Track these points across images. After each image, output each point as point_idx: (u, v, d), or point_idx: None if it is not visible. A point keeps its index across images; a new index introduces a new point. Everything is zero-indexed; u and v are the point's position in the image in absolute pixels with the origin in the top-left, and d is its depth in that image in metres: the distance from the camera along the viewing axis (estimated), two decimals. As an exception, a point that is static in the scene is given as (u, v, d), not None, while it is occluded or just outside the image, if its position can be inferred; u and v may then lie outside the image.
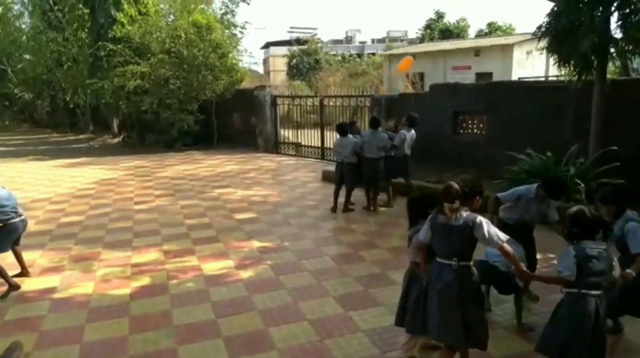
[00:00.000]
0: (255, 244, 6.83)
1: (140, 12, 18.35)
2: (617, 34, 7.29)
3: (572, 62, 7.38)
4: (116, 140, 21.89)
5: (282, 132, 16.86)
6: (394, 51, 36.47)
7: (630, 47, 7.26)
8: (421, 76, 27.94)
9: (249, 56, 30.13)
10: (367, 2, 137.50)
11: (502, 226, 4.52)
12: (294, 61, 43.05)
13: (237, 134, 17.93)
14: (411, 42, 50.00)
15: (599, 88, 7.49)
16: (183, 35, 16.66)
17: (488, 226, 3.26)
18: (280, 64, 48.12)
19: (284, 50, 47.68)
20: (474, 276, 3.37)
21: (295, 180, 11.57)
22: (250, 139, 16.99)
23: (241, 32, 19.17)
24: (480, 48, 27.99)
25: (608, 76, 8.40)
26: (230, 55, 18.13)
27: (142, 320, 4.70)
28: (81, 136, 24.74)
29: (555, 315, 3.32)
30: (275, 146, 16.50)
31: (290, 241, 6.94)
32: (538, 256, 5.29)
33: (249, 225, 7.79)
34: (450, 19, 46.58)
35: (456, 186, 3.36)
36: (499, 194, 4.82)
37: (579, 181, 7.18)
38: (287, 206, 9.01)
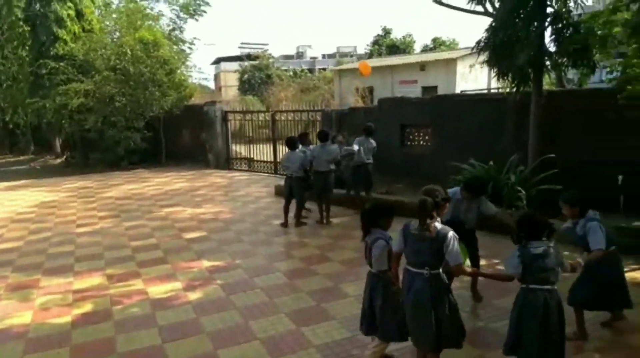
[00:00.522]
0: (205, 263, 6.66)
1: (84, 29, 17.83)
2: (552, 47, 7.69)
3: (510, 75, 7.69)
4: (59, 160, 21.00)
5: (234, 147, 16.70)
6: (344, 66, 37.08)
7: (564, 59, 7.66)
8: (370, 90, 28.50)
9: (199, 71, 29.69)
10: (316, 18, 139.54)
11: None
12: (246, 76, 42.91)
13: (186, 151, 17.61)
14: (360, 57, 50.92)
15: (536, 99, 7.84)
16: (129, 51, 16.29)
17: (454, 243, 3.44)
18: (231, 80, 47.79)
19: (235, 65, 47.44)
20: (444, 282, 3.52)
21: (247, 196, 11.44)
22: (200, 156, 16.72)
23: (190, 48, 19.01)
24: (426, 63, 28.88)
25: (545, 87, 8.82)
26: (179, 71, 17.87)
27: (84, 348, 4.48)
28: (22, 158, 23.60)
29: (512, 309, 3.53)
30: (227, 162, 16.31)
31: (241, 259, 6.81)
32: (483, 262, 5.44)
33: (199, 244, 7.60)
34: (396, 34, 47.90)
35: (430, 199, 3.50)
36: None
37: (519, 189, 7.45)
38: (239, 223, 8.87)
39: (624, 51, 7.72)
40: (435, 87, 26.09)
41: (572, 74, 11.07)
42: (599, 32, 7.23)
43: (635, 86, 6.93)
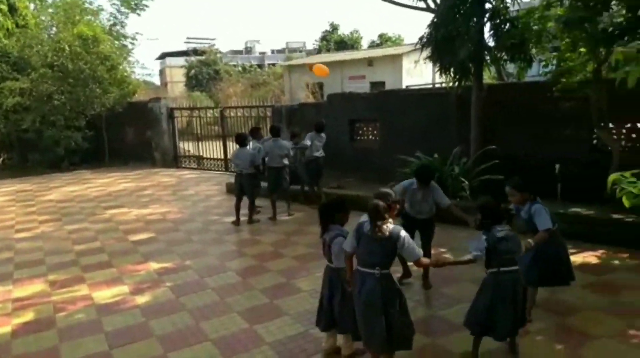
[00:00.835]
0: (153, 266, 6.48)
1: (17, 25, 16.86)
2: (491, 42, 7.96)
3: (452, 69, 7.90)
4: (-5, 163, 19.80)
5: (182, 145, 16.34)
6: (294, 62, 37.07)
7: (503, 54, 7.96)
8: (320, 85, 28.63)
9: (142, 67, 28.71)
10: (264, 13, 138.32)
11: (403, 216, 5.11)
12: (193, 71, 42.02)
13: (131, 150, 17.04)
14: (309, 53, 51.08)
15: (477, 93, 8.10)
16: (67, 47, 15.54)
17: (408, 240, 3.53)
18: (178, 75, 46.65)
19: (181, 61, 46.41)
20: (395, 282, 3.59)
21: (197, 195, 11.22)
22: (146, 154, 16.26)
23: (132, 44, 18.32)
24: (373, 58, 29.31)
25: (487, 81, 9.13)
26: (121, 67, 17.24)
27: (25, 359, 4.26)
28: (-48, 161, 22.07)
29: (480, 293, 3.76)
30: (174, 160, 15.94)
31: (192, 260, 6.68)
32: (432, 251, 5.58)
33: (146, 246, 7.39)
34: (344, 30, 48.33)
35: (382, 203, 3.54)
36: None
37: (463, 179, 7.71)
38: (189, 223, 8.70)
39: (558, 45, 8.11)
40: (382, 83, 26.53)
41: (512, 68, 11.48)
42: (534, 27, 7.56)
43: (569, 78, 7.32)
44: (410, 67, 26.13)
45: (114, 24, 18.11)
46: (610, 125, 7.11)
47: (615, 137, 7.25)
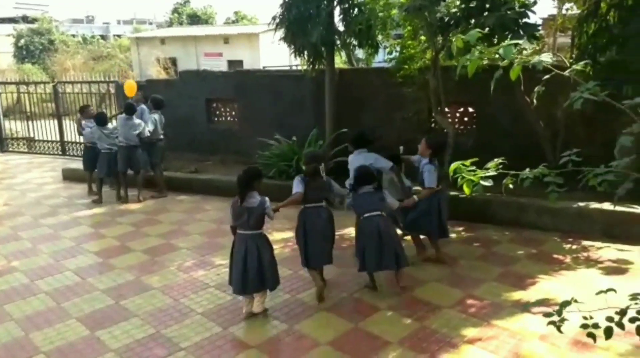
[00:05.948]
0: (-31, 270, 5.53)
1: None
2: (341, 27, 8.09)
3: (306, 52, 7.90)
4: None
5: (8, 125, 14.26)
6: (143, 34, 34.55)
7: (352, 39, 8.14)
8: (173, 61, 27.12)
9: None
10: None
11: None
12: (22, 41, 36.92)
13: (-57, 133, 14.39)
14: (159, 25, 48.09)
15: (330, 77, 8.22)
16: None
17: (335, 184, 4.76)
18: (4, 45, 40.58)
19: (8, 29, 40.41)
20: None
21: (27, 183, 9.87)
22: (-37, 138, 13.87)
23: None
24: (229, 36, 28.58)
25: (340, 66, 9.29)
26: None
27: None
28: None
29: (357, 234, 4.78)
30: (-1, 144, 13.84)
31: (20, 260, 5.83)
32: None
33: (-40, 247, 6.29)
34: (196, 4, 46.33)
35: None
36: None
37: (319, 162, 7.84)
38: (17, 216, 7.61)
39: (401, 33, 8.55)
40: (240, 62, 26.05)
41: (361, 54, 11.88)
42: (380, 14, 7.84)
43: (410, 65, 7.78)
44: (267, 48, 26.01)
45: None
46: (446, 109, 7.73)
47: (450, 120, 7.92)
